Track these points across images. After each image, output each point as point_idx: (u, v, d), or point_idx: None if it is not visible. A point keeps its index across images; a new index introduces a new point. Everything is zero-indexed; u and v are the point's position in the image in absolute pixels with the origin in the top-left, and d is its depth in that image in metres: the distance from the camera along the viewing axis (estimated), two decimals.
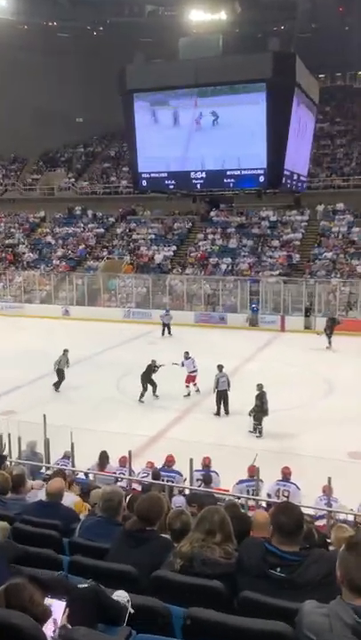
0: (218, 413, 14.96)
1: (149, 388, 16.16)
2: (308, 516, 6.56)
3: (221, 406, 14.95)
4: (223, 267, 30.64)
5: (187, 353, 16.79)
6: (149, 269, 31.89)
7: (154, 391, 16.28)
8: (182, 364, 16.57)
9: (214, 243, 32.55)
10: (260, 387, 13.65)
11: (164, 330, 25.34)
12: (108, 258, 33.65)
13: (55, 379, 16.95)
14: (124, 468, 9.80)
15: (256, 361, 20.24)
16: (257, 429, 13.47)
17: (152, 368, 16.16)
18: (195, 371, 16.55)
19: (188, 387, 16.49)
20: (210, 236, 33.07)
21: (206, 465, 9.56)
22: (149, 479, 9.01)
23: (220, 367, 15.26)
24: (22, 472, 5.36)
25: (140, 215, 36.64)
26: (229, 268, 30.52)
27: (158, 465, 9.75)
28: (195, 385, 16.61)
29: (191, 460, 9.03)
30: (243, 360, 19.76)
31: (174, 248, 33.21)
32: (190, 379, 16.56)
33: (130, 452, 9.42)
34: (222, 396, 14.97)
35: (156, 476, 9.03)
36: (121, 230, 35.75)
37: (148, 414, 15.22)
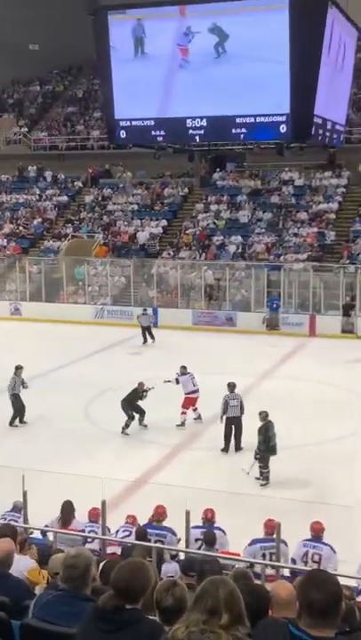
0: (226, 449, 14.96)
1: (135, 416, 16.12)
2: (346, 589, 6.58)
3: (232, 439, 14.97)
4: (231, 249, 30.70)
5: (183, 367, 16.75)
6: (130, 252, 31.91)
7: (141, 420, 16.25)
8: (177, 382, 16.56)
9: (219, 216, 32.62)
10: (264, 416, 13.55)
11: (144, 335, 25.38)
12: (73, 236, 33.66)
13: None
14: (95, 523, 9.81)
15: (276, 378, 20.26)
16: (263, 475, 13.46)
17: (139, 394, 16.08)
18: (195, 391, 16.50)
19: (185, 413, 16.47)
20: (213, 207, 33.15)
21: (209, 520, 9.56)
22: (131, 539, 9.01)
23: (230, 386, 15.21)
24: None
25: (118, 178, 36.66)
26: (240, 250, 30.60)
27: (143, 520, 9.75)
28: (195, 410, 16.61)
29: (188, 514, 9.03)
30: (258, 376, 19.79)
31: (164, 223, 33.26)
32: (189, 402, 16.51)
33: (104, 503, 9.41)
34: (233, 426, 14.98)
35: (140, 534, 9.03)
36: (91, 199, 35.77)
37: (129, 451, 15.19)
